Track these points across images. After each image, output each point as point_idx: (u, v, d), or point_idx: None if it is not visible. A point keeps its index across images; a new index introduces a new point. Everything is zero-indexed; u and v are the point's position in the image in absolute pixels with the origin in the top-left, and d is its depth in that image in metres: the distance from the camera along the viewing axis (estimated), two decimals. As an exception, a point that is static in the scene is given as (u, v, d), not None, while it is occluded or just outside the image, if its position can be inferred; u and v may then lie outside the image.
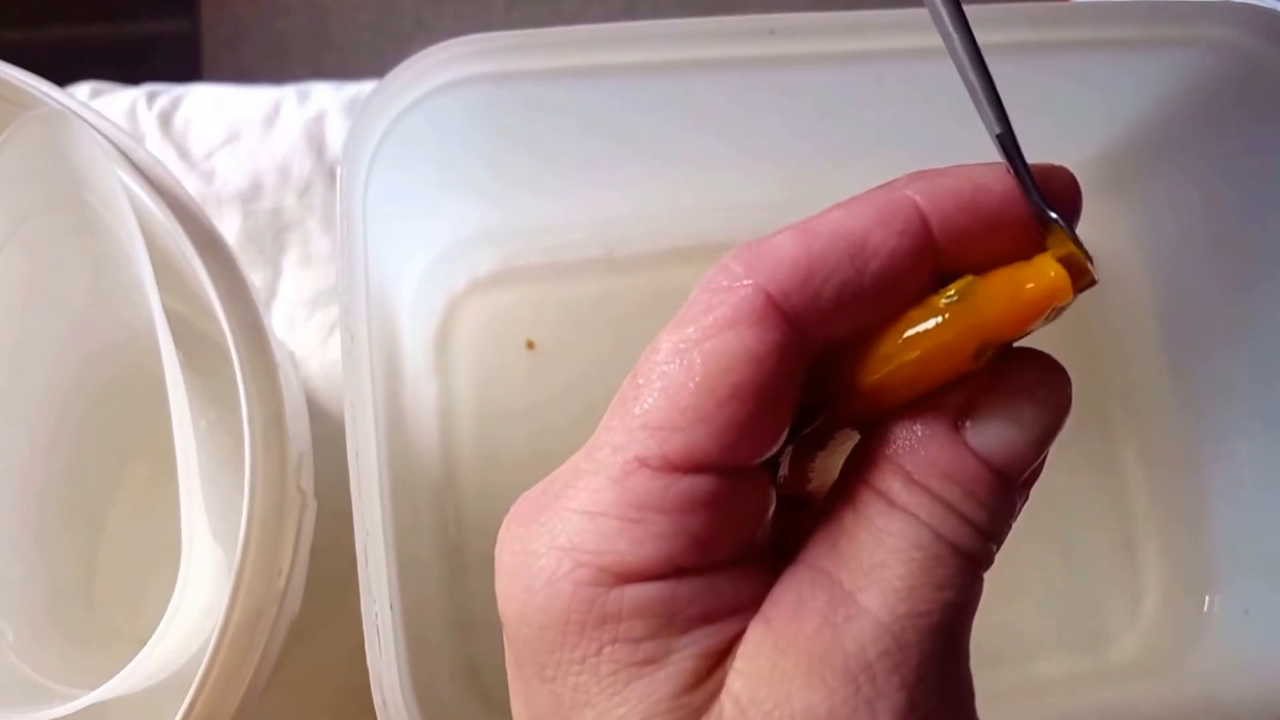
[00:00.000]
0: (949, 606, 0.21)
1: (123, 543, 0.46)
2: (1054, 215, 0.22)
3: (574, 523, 0.22)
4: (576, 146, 0.43)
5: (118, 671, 0.33)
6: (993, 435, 0.22)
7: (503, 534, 0.23)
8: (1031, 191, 0.22)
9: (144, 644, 0.33)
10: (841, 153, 0.45)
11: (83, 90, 0.54)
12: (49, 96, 0.36)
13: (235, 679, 0.33)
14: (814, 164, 0.45)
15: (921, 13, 0.35)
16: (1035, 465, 0.23)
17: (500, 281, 0.48)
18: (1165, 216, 0.48)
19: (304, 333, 0.50)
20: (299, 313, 0.51)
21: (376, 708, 0.32)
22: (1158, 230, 0.48)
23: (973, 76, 0.23)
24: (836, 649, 0.21)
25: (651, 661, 0.21)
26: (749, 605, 0.22)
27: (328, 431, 0.40)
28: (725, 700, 0.21)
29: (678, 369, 0.21)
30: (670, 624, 0.21)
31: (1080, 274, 0.22)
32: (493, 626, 0.45)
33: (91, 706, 0.34)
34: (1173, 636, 0.47)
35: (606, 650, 0.21)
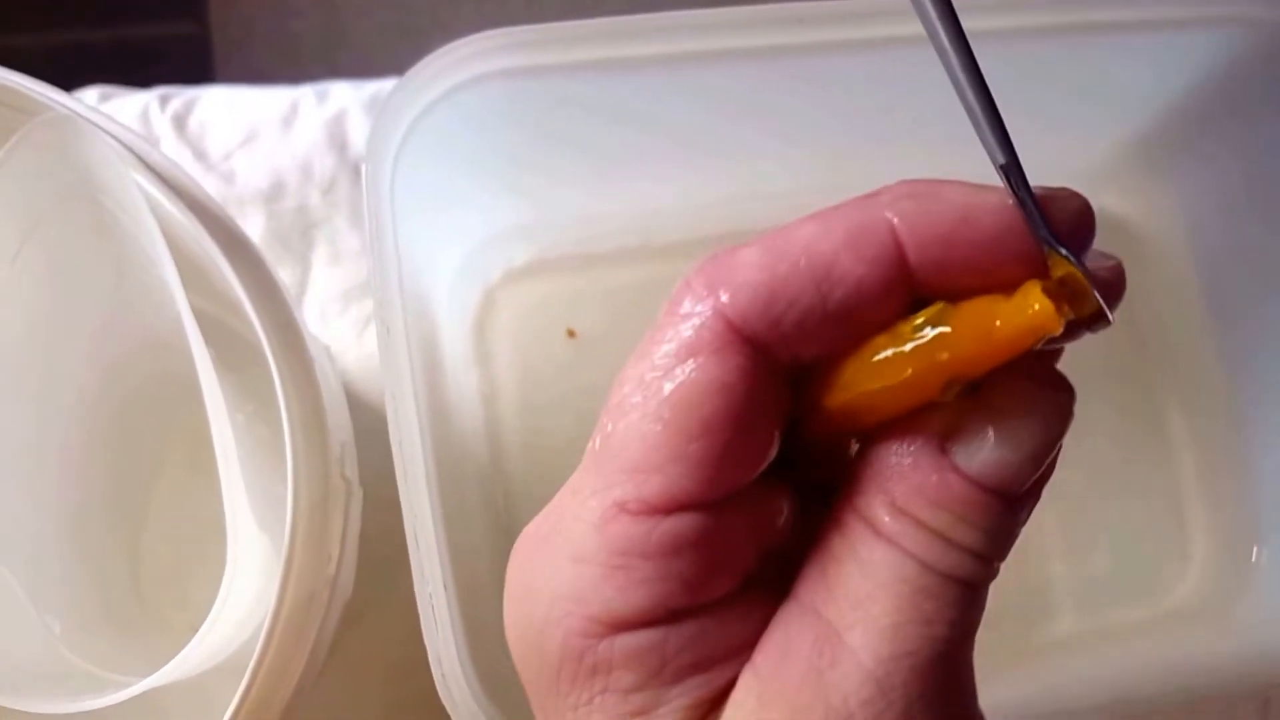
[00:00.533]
0: (938, 641, 0.20)
1: (166, 534, 0.46)
2: (1063, 251, 0.20)
3: (563, 570, 0.21)
4: (605, 139, 0.44)
5: (169, 659, 0.34)
6: (982, 455, 0.20)
7: (509, 567, 0.23)
8: (1039, 226, 0.20)
9: (193, 631, 0.34)
10: (876, 136, 0.45)
11: (90, 95, 0.54)
12: (57, 102, 0.36)
13: (291, 661, 0.34)
14: (848, 148, 0.45)
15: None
16: (1039, 475, 0.21)
17: (536, 272, 0.48)
18: (1205, 191, 0.48)
19: (338, 327, 0.50)
20: (331, 308, 0.51)
21: (436, 683, 0.33)
22: (1198, 204, 0.48)
23: (972, 99, 0.20)
24: (818, 701, 0.20)
25: (642, 713, 0.21)
26: (744, 648, 0.21)
27: (371, 423, 0.41)
28: None
29: (645, 406, 0.20)
30: (660, 674, 0.21)
31: (1080, 302, 0.20)
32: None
33: (146, 694, 0.34)
34: (1222, 587, 0.48)
35: (598, 700, 0.21)
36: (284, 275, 0.51)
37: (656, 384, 0.20)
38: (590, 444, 0.22)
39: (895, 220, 0.20)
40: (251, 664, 0.33)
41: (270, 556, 0.37)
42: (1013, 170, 0.20)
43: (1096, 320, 0.20)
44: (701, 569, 0.21)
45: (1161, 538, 0.49)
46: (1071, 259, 0.20)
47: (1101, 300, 0.20)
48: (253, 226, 0.51)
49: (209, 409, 0.34)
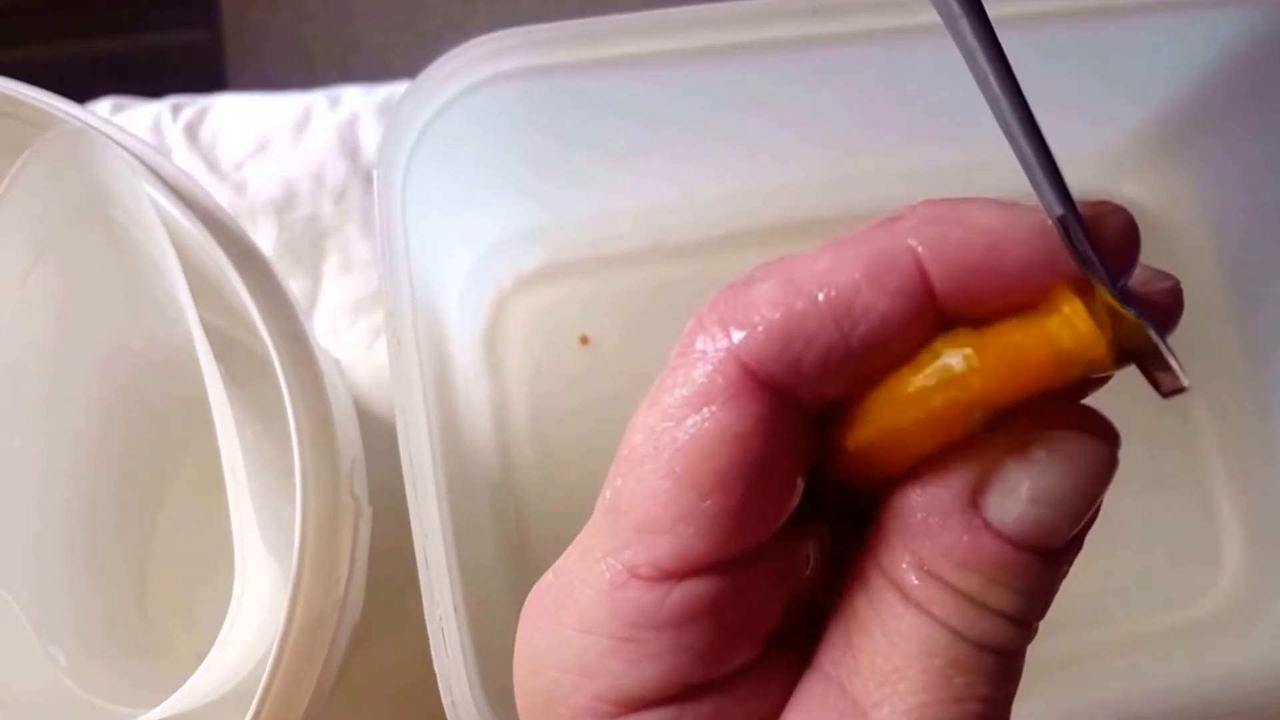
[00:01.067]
0: (971, 719, 0.19)
1: (172, 557, 0.46)
2: (1112, 287, 0.18)
3: (570, 640, 0.20)
4: (618, 137, 0.43)
5: (174, 687, 0.33)
6: (1017, 511, 0.18)
7: (519, 629, 0.21)
8: (1095, 266, 0.18)
9: (200, 657, 0.33)
10: (892, 129, 0.44)
11: (103, 106, 0.54)
12: (69, 114, 0.36)
13: (299, 686, 0.33)
14: (864, 141, 0.45)
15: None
16: (1081, 527, 0.19)
17: (548, 277, 0.47)
18: (1225, 174, 0.48)
19: (348, 339, 0.50)
20: (342, 319, 0.50)
21: (446, 709, 0.32)
22: (1218, 187, 0.48)
23: (1027, 148, 0.19)
24: None
25: None
26: (760, 706, 0.20)
27: (380, 437, 0.40)
28: None
29: (656, 460, 0.19)
30: None
31: (1129, 333, 0.18)
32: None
33: (153, 726, 0.34)
34: (1256, 590, 0.47)
35: None
36: (295, 286, 0.50)
37: (668, 434, 0.19)
38: (601, 497, 0.20)
39: (919, 249, 0.19)
40: (259, 689, 0.32)
41: (278, 579, 0.36)
42: (1072, 224, 0.18)
43: (1151, 362, 0.19)
44: (719, 638, 0.19)
45: (1190, 538, 0.48)
46: (1113, 290, 0.18)
47: (1158, 337, 0.18)
48: (264, 237, 0.51)
49: (219, 430, 0.34)
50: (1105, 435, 0.19)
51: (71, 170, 0.36)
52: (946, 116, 0.41)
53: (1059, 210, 0.18)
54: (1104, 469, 0.19)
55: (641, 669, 0.19)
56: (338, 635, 0.34)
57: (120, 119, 0.53)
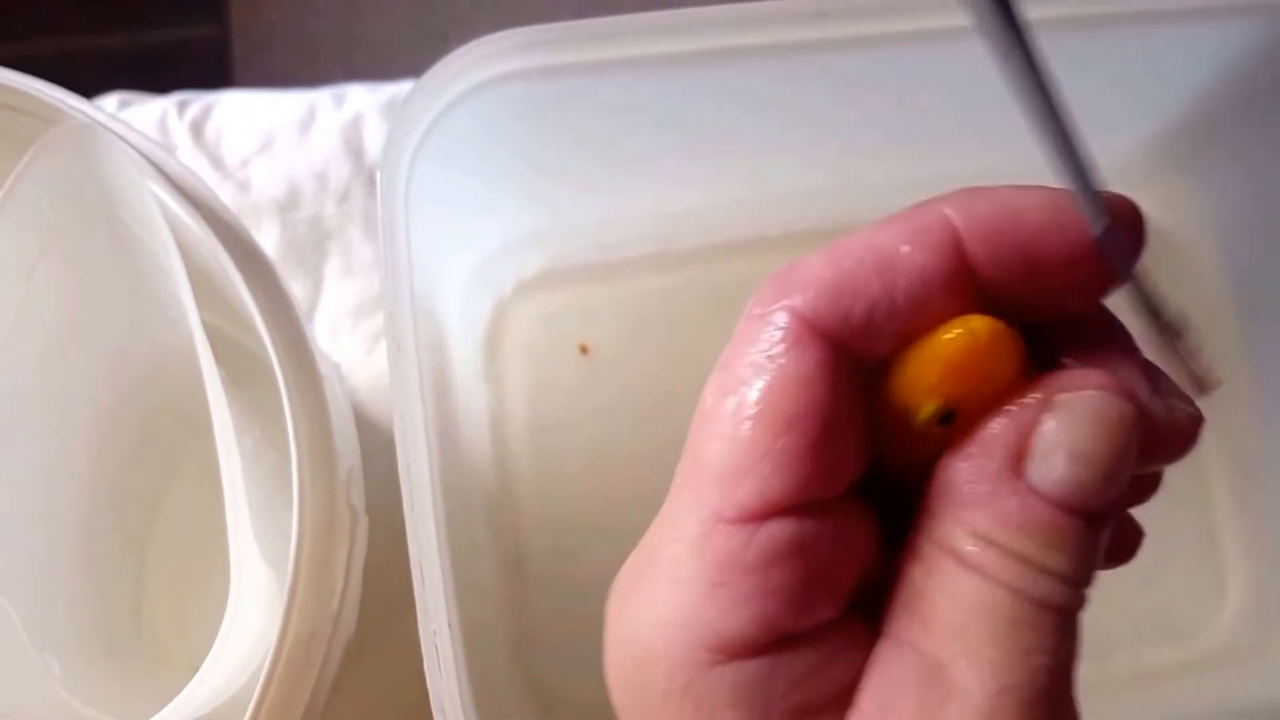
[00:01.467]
0: (1040, 672, 0.20)
1: (169, 565, 0.46)
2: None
3: (663, 597, 0.21)
4: (624, 139, 0.43)
5: (168, 698, 0.33)
6: (1057, 473, 0.20)
7: (608, 608, 0.22)
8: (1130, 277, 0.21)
9: (194, 668, 0.33)
10: (901, 135, 0.44)
11: (110, 102, 0.54)
12: (76, 109, 0.36)
13: (292, 703, 0.33)
14: (871, 147, 0.44)
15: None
16: (1117, 495, 0.20)
17: (550, 282, 0.47)
18: (1230, 188, 0.47)
19: (349, 343, 0.50)
20: (343, 323, 0.50)
21: (438, 730, 0.32)
22: (1224, 202, 0.47)
23: (1066, 165, 0.20)
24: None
25: None
26: (845, 692, 0.21)
27: (377, 444, 0.40)
28: None
29: (730, 411, 0.21)
30: (768, 709, 0.20)
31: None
32: (555, 643, 0.45)
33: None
34: (1260, 624, 0.46)
35: None
36: (296, 289, 0.50)
37: (738, 388, 0.21)
38: (679, 468, 0.22)
39: (953, 215, 0.21)
40: (252, 704, 0.32)
41: (273, 590, 0.36)
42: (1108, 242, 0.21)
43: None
44: (803, 585, 0.20)
45: (1195, 573, 0.47)
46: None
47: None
48: (267, 237, 0.50)
49: (218, 438, 0.34)
50: (1125, 394, 0.21)
51: (77, 166, 0.36)
52: (953, 126, 0.40)
53: (1100, 227, 0.21)
54: (1130, 423, 0.20)
55: (735, 613, 0.20)
56: (331, 650, 0.34)
57: (127, 114, 0.53)
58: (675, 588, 0.20)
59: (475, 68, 0.37)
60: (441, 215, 0.40)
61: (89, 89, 0.41)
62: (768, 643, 0.20)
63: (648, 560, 0.21)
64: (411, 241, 0.36)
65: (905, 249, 0.21)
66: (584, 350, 0.47)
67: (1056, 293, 0.21)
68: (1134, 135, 0.48)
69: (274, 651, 0.32)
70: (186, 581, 0.45)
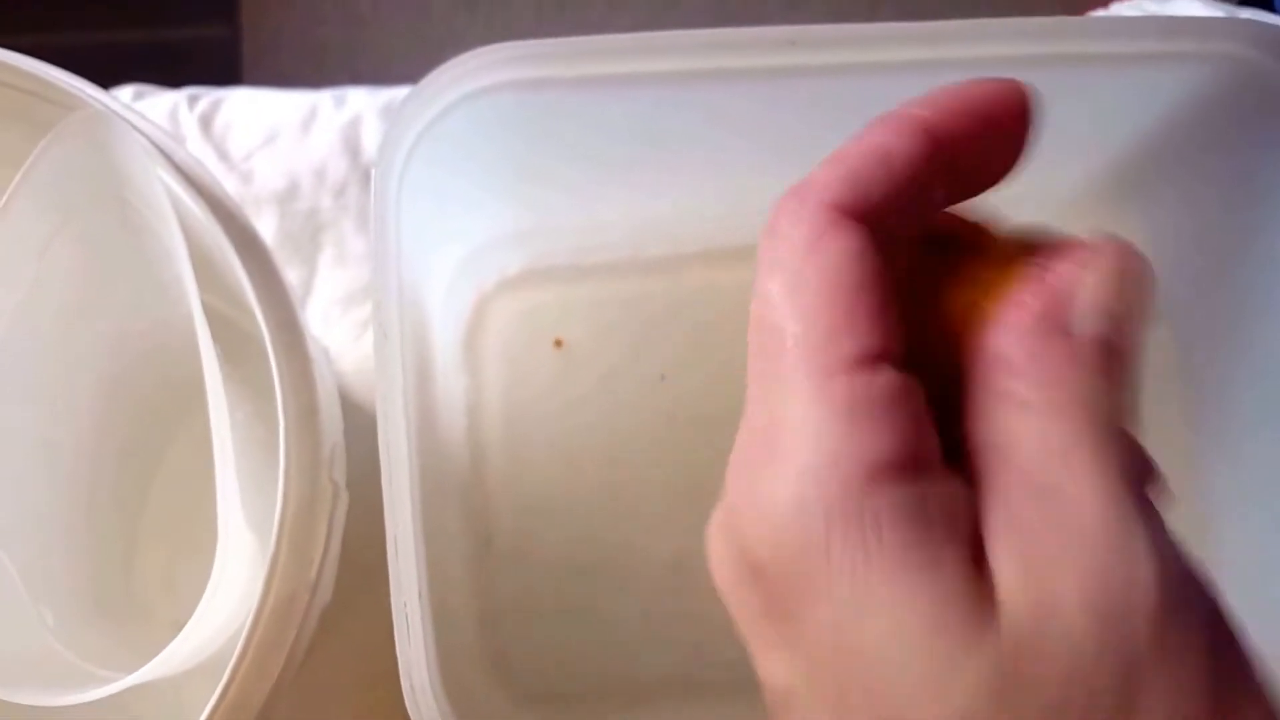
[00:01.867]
0: (1116, 411, 0.22)
1: (161, 528, 0.47)
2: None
3: (802, 447, 0.21)
4: (605, 151, 0.44)
5: (154, 653, 0.34)
6: (1096, 321, 0.22)
7: (730, 487, 0.23)
8: None
9: (179, 626, 0.34)
10: None
11: (126, 93, 0.55)
12: (93, 98, 0.37)
13: (269, 663, 0.34)
14: None
15: (936, 25, 0.36)
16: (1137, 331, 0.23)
17: (529, 281, 0.49)
18: (1171, 229, 0.48)
19: (338, 329, 0.51)
20: (333, 310, 0.51)
21: (405, 696, 0.33)
22: (1164, 242, 0.48)
23: None
24: (1072, 543, 0.20)
25: (926, 566, 0.21)
26: (970, 505, 0.22)
27: (360, 425, 0.41)
28: (1003, 595, 0.20)
29: (800, 293, 0.22)
30: (929, 526, 0.21)
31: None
32: (520, 618, 0.46)
33: (119, 694, 0.35)
34: (1259, 623, 0.46)
35: (875, 560, 0.21)
36: (292, 275, 0.51)
37: (799, 272, 0.22)
38: (750, 372, 0.23)
39: (918, 110, 0.24)
40: (233, 660, 0.33)
41: (256, 555, 0.37)
42: None
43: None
44: (917, 422, 0.22)
45: None
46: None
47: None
48: (266, 225, 0.52)
49: (211, 411, 0.35)
50: (1122, 245, 0.24)
51: (92, 151, 0.37)
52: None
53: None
54: (1147, 269, 0.23)
55: (881, 438, 0.21)
56: (308, 616, 0.35)
57: (140, 105, 0.54)
58: (812, 439, 0.21)
59: (469, 77, 0.38)
60: (430, 212, 0.41)
61: (106, 80, 0.42)
62: (914, 466, 0.21)
63: (767, 425, 0.22)
64: (401, 236, 0.37)
65: (894, 140, 0.23)
66: (559, 345, 0.48)
67: (1004, 151, 0.24)
68: (1084, 168, 0.49)
69: (255, 613, 0.33)
70: (176, 544, 0.47)
